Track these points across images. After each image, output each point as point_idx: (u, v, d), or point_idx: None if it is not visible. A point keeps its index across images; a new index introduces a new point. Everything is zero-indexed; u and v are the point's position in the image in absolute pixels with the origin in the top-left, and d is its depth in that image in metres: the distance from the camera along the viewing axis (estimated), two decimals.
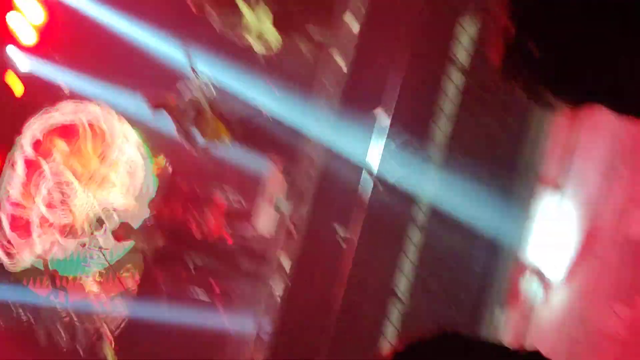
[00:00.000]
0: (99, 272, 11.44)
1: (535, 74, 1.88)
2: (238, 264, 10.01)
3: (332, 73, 8.80)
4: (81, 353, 10.90)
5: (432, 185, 7.83)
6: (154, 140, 11.41)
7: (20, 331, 11.07)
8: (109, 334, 10.89)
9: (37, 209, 11.23)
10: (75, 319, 11.10)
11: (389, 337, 8.13)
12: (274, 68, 10.41)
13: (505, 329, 7.38)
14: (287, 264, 8.86)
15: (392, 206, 8.39)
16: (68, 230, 11.30)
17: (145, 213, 11.21)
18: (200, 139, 9.59)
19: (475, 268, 8.10)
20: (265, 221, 9.61)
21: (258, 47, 9.76)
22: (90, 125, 11.41)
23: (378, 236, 8.39)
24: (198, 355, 10.66)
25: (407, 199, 8.35)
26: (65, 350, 11.00)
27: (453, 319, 7.94)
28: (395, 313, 8.24)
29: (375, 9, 8.59)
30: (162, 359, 10.76)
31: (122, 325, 11.16)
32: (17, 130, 11.25)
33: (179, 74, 9.78)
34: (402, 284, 8.30)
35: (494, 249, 7.62)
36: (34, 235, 11.20)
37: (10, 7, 10.82)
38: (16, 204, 11.28)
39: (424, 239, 8.15)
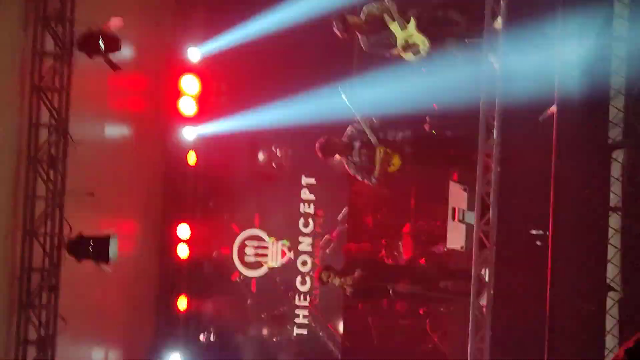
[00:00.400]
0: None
1: None
2: (436, 283, 9.94)
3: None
4: None
5: None
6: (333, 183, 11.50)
7: None
8: None
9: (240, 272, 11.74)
10: None
11: (612, 331, 7.88)
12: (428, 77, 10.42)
13: None
14: (486, 274, 8.74)
15: (585, 194, 8.20)
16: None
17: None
18: (372, 169, 9.68)
19: None
20: (454, 236, 9.50)
21: (408, 56, 9.72)
22: None
23: (575, 228, 8.16)
24: None
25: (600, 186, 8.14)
26: None
27: None
28: (612, 304, 7.98)
29: None
30: None
31: None
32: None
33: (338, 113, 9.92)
34: (612, 272, 8.01)
35: None
36: None
37: (179, 93, 11.39)
38: None
39: (624, 222, 7.87)
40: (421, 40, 9.37)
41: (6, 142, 7.89)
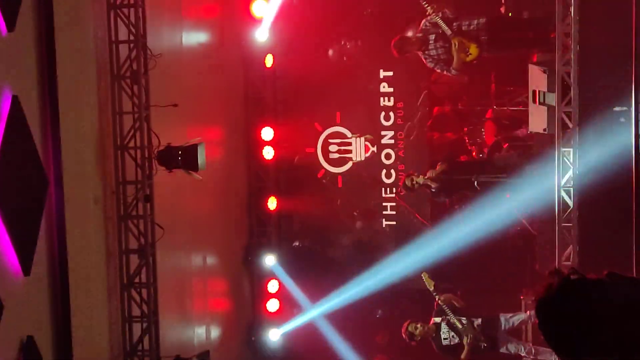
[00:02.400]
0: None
1: None
2: (521, 168, 9.94)
3: None
4: None
5: None
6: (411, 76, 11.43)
7: None
8: None
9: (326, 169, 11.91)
10: None
11: None
12: None
13: None
14: (570, 156, 8.74)
15: None
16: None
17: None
18: (450, 60, 9.65)
19: None
20: (536, 119, 9.44)
21: None
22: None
23: None
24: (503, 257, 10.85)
25: None
26: None
27: None
28: None
29: None
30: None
31: None
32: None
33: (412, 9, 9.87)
34: None
35: None
36: None
37: None
38: None
39: None
40: None
41: (89, 61, 8.10)
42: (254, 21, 11.47)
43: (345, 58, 11.61)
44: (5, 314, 6.64)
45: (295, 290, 11.56)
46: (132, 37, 8.31)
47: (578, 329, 2.14)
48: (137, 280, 8.44)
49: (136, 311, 8.45)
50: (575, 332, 2.15)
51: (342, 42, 11.56)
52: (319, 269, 11.68)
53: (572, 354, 2.18)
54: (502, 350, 9.88)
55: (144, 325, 8.45)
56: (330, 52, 11.59)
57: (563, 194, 8.85)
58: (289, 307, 11.85)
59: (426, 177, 10.08)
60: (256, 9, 11.43)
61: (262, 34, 11.46)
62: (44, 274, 7.33)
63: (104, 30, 8.22)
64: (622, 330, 2.09)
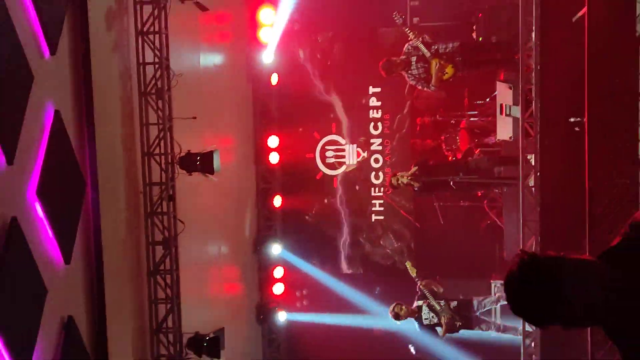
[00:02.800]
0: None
1: None
2: (491, 171, 9.99)
3: None
4: None
5: None
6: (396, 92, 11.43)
7: None
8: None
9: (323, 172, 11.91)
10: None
11: None
12: None
13: None
14: (532, 159, 8.77)
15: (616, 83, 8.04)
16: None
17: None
18: (429, 79, 9.68)
19: None
20: (503, 128, 9.48)
21: None
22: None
23: (607, 113, 8.06)
24: (476, 247, 10.91)
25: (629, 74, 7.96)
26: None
27: None
28: None
29: None
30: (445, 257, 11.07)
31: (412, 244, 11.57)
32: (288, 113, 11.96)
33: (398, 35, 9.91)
34: None
35: None
36: None
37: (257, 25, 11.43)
38: None
39: None
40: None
41: (120, 80, 8.14)
42: (261, 45, 11.51)
43: (339, 76, 11.63)
44: (49, 297, 6.67)
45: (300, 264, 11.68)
46: (157, 60, 8.33)
47: (535, 299, 2.15)
48: (161, 267, 8.45)
49: (161, 294, 8.47)
50: (532, 302, 2.16)
51: (337, 63, 11.58)
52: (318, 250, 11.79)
53: (535, 320, 2.20)
54: (475, 328, 9.91)
55: (168, 306, 8.48)
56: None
57: (527, 192, 8.88)
58: (292, 290, 11.90)
59: (409, 177, 10.10)
60: (263, 35, 11.48)
61: (268, 56, 11.50)
62: (82, 262, 7.37)
63: (133, 53, 8.25)
64: (568, 297, 2.11)
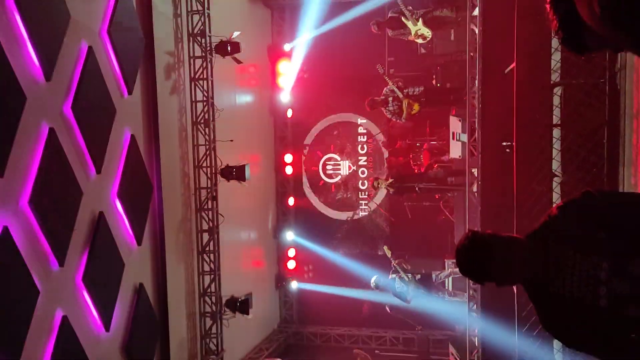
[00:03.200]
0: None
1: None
2: (445, 180, 9.98)
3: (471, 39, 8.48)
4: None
5: None
6: (377, 122, 11.44)
7: None
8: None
9: (325, 180, 11.90)
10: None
11: (556, 202, 7.82)
12: (434, 54, 10.27)
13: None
14: (475, 172, 8.75)
15: (536, 117, 8.03)
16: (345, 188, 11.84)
17: (385, 168, 11.45)
18: (401, 113, 9.69)
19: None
20: (454, 150, 9.49)
21: (419, 41, 9.61)
22: (339, 125, 11.79)
23: (530, 139, 8.05)
24: (434, 235, 10.86)
25: (546, 111, 7.95)
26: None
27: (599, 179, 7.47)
28: (555, 185, 7.91)
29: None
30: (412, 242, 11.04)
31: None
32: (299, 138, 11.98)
33: (380, 81, 9.89)
34: (555, 165, 7.93)
35: None
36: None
37: (277, 74, 11.49)
38: None
39: (562, 133, 7.71)
40: (426, 30, 9.21)
41: (178, 113, 8.18)
42: (280, 89, 11.55)
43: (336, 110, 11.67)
44: (126, 269, 6.67)
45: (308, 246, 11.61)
46: (205, 99, 8.39)
47: (474, 262, 2.15)
48: (207, 248, 8.47)
49: (206, 268, 8.48)
50: (472, 264, 2.17)
51: (334, 101, 11.61)
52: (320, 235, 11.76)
53: (475, 278, 2.20)
54: (434, 295, 9.87)
55: (211, 276, 8.49)
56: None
57: (471, 196, 8.87)
58: (301, 265, 11.90)
59: (386, 183, 10.10)
60: (281, 81, 11.51)
61: (285, 97, 11.53)
62: (150, 244, 7.38)
63: (187, 94, 8.29)
64: (496, 260, 2.11)
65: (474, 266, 2.16)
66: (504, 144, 8.54)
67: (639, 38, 1.32)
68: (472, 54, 8.46)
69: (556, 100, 7.98)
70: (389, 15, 9.43)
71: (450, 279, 9.74)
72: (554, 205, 2.23)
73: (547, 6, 1.44)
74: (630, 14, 1.24)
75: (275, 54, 11.38)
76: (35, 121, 5.28)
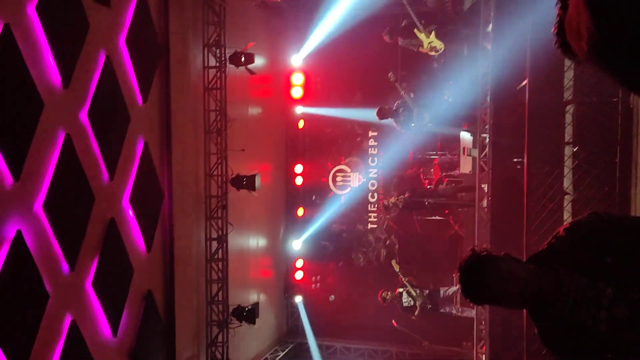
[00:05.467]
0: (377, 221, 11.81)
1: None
2: (455, 195, 9.98)
3: (483, 57, 8.52)
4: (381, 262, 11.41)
5: None
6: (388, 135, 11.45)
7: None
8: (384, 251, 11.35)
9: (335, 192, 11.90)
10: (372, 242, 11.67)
11: (567, 220, 7.79)
12: (446, 67, 10.30)
13: None
14: (485, 187, 8.75)
15: (548, 133, 8.03)
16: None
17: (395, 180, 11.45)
18: (412, 125, 9.68)
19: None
20: (465, 164, 9.47)
21: (432, 53, 9.67)
22: (350, 135, 11.82)
23: (542, 155, 8.04)
24: (443, 250, 10.83)
25: (558, 128, 7.95)
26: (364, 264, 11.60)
27: (610, 198, 7.43)
28: (567, 203, 7.87)
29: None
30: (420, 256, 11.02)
31: (397, 246, 11.50)
32: (310, 149, 11.98)
33: (389, 90, 9.91)
34: (567, 183, 7.90)
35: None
36: None
37: (290, 85, 11.58)
38: None
39: (574, 150, 7.71)
40: (438, 42, 9.26)
41: (191, 121, 8.26)
42: (292, 99, 11.63)
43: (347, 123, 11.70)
44: (135, 275, 6.74)
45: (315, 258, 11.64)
46: (218, 108, 8.46)
47: (470, 284, 2.16)
48: (216, 256, 8.51)
49: (214, 276, 8.52)
50: (469, 287, 2.17)
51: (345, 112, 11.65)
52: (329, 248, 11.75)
53: (472, 299, 2.20)
54: (442, 310, 9.84)
55: (219, 284, 8.53)
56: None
57: (481, 211, 8.86)
58: (309, 276, 11.89)
59: (397, 199, 10.11)
60: (294, 92, 11.60)
61: (297, 108, 11.60)
62: (159, 251, 7.44)
63: (200, 103, 8.36)
64: (501, 288, 2.12)
65: (468, 288, 2.17)
66: (515, 160, 8.54)
67: (627, 80, 1.30)
68: (484, 69, 8.49)
69: (568, 118, 7.97)
70: (402, 24, 9.49)
71: (458, 294, 9.71)
72: (562, 226, 2.24)
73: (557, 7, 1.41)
74: (618, 60, 1.21)
75: (289, 65, 11.47)
76: (52, 127, 5.38)
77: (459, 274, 2.21)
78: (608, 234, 2.09)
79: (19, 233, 4.94)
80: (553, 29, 1.40)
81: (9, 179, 4.89)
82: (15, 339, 4.88)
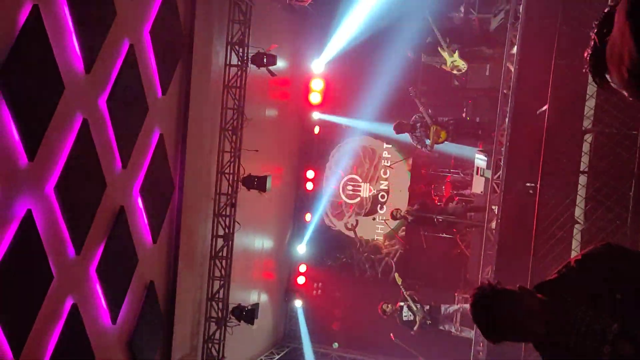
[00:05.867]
0: (384, 234, 11.75)
1: None
2: (464, 215, 9.92)
3: (505, 78, 8.48)
4: (379, 276, 11.32)
5: None
6: (403, 150, 11.43)
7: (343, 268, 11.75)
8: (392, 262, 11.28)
9: (344, 200, 11.86)
10: (372, 257, 11.57)
11: (575, 249, 7.72)
12: (467, 86, 10.29)
13: None
14: (495, 209, 8.69)
15: (562, 162, 7.97)
16: (362, 210, 11.75)
17: (406, 194, 11.38)
18: (427, 142, 9.66)
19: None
20: (477, 185, 9.42)
21: (455, 72, 9.66)
22: (364, 148, 11.78)
23: (555, 182, 7.99)
24: (447, 268, 10.77)
25: (574, 157, 7.89)
26: (368, 275, 11.51)
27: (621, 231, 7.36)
28: (576, 232, 7.81)
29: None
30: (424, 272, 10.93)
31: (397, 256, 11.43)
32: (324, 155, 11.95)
33: (409, 106, 9.88)
34: (578, 212, 7.84)
35: None
36: (346, 216, 11.90)
37: (309, 90, 11.60)
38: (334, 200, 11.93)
39: (588, 181, 7.65)
40: (462, 62, 9.25)
41: (208, 117, 8.30)
42: (310, 105, 11.64)
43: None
44: (139, 265, 6.76)
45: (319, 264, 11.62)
46: (235, 106, 8.49)
47: (480, 319, 2.14)
48: (220, 254, 8.53)
49: (217, 273, 8.52)
50: (478, 321, 2.15)
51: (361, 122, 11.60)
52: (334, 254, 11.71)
53: (482, 332, 2.18)
54: (441, 327, 9.76)
55: (221, 282, 8.53)
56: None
57: (489, 233, 8.79)
58: (311, 282, 11.87)
59: (407, 211, 10.07)
60: (312, 98, 11.62)
61: (314, 114, 11.62)
62: (165, 243, 7.46)
63: (219, 100, 8.40)
64: (514, 323, 2.11)
65: (477, 322, 2.15)
66: (528, 184, 8.48)
67: None
68: (505, 91, 8.46)
69: (585, 147, 7.92)
70: (427, 41, 9.49)
71: (458, 313, 9.63)
72: (574, 257, 2.21)
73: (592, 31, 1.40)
74: None
75: (309, 70, 11.50)
76: (70, 111, 5.43)
77: (472, 309, 2.17)
78: (619, 269, 2.06)
79: (29, 212, 4.98)
80: (586, 52, 1.40)
81: (23, 158, 4.93)
82: (16, 316, 4.91)
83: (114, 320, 6.28)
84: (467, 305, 2.45)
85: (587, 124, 7.91)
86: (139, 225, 6.80)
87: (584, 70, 1.47)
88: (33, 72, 4.90)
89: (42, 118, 5.07)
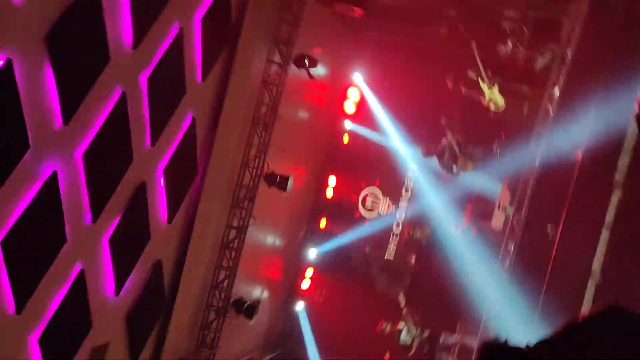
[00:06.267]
0: None
1: None
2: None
3: (542, 119, 8.39)
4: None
5: None
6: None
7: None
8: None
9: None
10: None
11: (588, 306, 7.55)
12: (502, 121, 10.18)
13: None
14: (511, 249, 8.57)
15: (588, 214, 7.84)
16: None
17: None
18: (454, 169, 9.60)
19: None
20: (496, 220, 9.32)
21: (492, 107, 9.58)
22: None
23: (576, 233, 7.85)
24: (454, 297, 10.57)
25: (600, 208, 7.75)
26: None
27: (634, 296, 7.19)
28: (590, 285, 7.66)
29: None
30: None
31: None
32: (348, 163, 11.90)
33: (439, 131, 9.84)
34: (596, 265, 7.68)
35: None
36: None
37: (345, 97, 11.62)
38: None
39: (610, 237, 7.50)
40: (500, 98, 9.18)
41: (241, 109, 8.32)
42: (344, 113, 11.64)
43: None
44: (149, 244, 6.83)
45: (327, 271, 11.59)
46: (270, 102, 8.50)
47: None
48: (231, 245, 8.56)
49: (225, 263, 8.55)
50: None
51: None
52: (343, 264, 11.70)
53: None
54: (437, 358, 9.65)
55: (227, 273, 8.56)
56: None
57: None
58: (316, 287, 11.84)
59: (423, 233, 10.01)
60: (347, 107, 11.62)
61: (346, 123, 11.61)
62: (179, 225, 7.52)
63: (255, 94, 8.42)
64: None
65: None
66: (549, 229, 8.35)
67: None
68: (540, 131, 8.37)
69: (613, 201, 7.79)
70: (469, 74, 9.44)
71: (457, 345, 9.52)
72: (581, 315, 2.17)
73: None
74: None
75: (348, 79, 11.51)
76: (111, 82, 5.53)
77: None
78: (623, 337, 2.02)
79: (54, 174, 5.08)
80: (636, 114, 1.39)
81: (59, 121, 5.03)
82: (24, 272, 5.01)
83: (117, 292, 6.36)
84: (467, 341, 2.42)
85: (619, 177, 7.77)
86: (157, 204, 6.88)
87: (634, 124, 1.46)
88: (82, 39, 5.01)
89: (83, 85, 5.17)
